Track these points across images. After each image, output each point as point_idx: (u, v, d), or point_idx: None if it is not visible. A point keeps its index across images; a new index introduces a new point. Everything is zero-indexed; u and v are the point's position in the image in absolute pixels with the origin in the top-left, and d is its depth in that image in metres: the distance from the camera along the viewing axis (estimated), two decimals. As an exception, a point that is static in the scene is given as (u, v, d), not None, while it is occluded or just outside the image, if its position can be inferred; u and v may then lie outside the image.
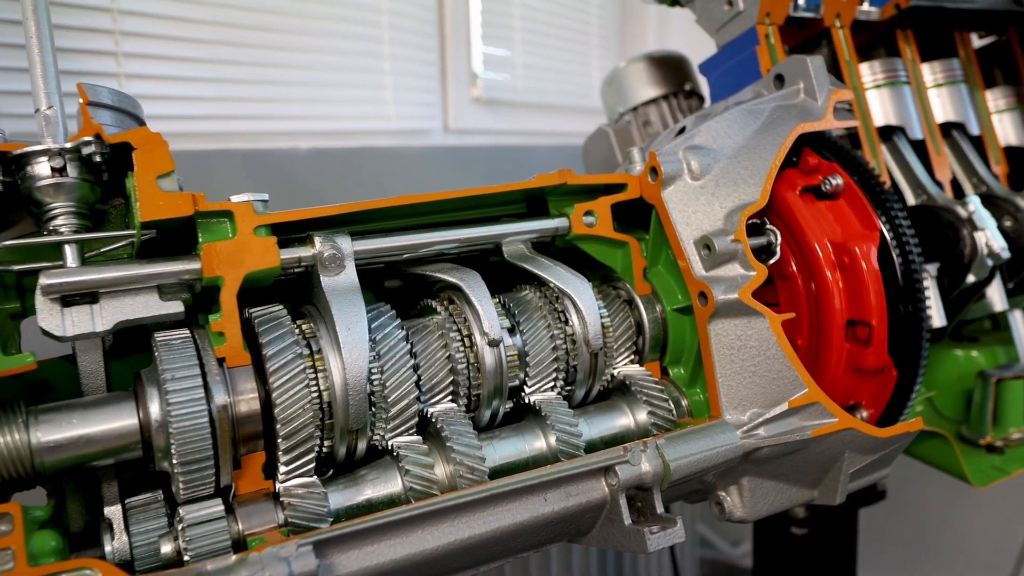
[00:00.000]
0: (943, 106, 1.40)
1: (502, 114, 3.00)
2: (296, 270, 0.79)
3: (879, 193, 0.98)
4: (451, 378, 0.85)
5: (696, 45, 1.85)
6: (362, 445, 0.80)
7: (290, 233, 0.80)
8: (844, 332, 0.95)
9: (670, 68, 1.67)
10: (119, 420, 0.68)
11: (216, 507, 0.69)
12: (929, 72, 1.41)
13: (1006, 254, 1.19)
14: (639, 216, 0.98)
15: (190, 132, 2.00)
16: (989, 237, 1.19)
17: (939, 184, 1.32)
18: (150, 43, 1.92)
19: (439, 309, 0.89)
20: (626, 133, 1.64)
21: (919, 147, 1.36)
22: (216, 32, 2.06)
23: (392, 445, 0.80)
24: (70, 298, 0.70)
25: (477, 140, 2.89)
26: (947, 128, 1.41)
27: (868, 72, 1.35)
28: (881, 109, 1.33)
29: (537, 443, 0.87)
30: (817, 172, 0.98)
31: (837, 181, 0.96)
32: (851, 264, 0.94)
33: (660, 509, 0.81)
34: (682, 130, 1.07)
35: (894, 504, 1.83)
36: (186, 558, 0.67)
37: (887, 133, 1.34)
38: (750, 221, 0.92)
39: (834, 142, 1.02)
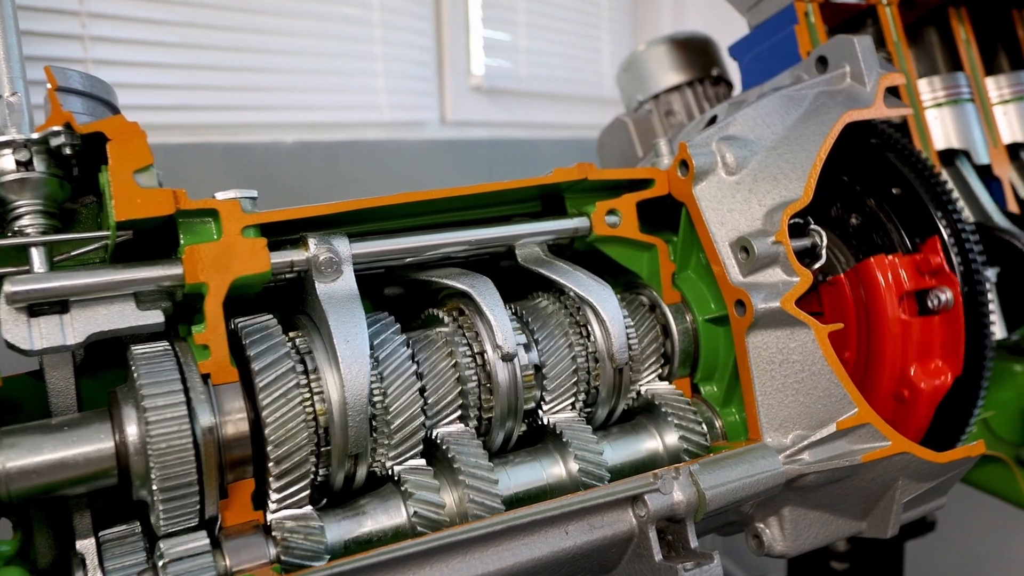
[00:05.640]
0: (1010, 125, 1.38)
1: (504, 104, 2.99)
2: (288, 276, 0.78)
3: (984, 334, 0.97)
4: (460, 397, 0.84)
5: (717, 26, 1.85)
6: (362, 471, 0.79)
7: (281, 234, 0.79)
8: None
9: (695, 51, 1.66)
10: (93, 443, 0.67)
11: (201, 541, 0.69)
12: (995, 87, 1.40)
13: None
14: (667, 215, 0.97)
15: (164, 124, 2.00)
16: None
17: (998, 181, 1.31)
18: (120, 25, 1.91)
19: (446, 319, 0.88)
20: (647, 124, 1.63)
21: (984, 172, 1.35)
22: (192, 14, 2.05)
23: (395, 471, 0.79)
24: (38, 307, 0.69)
25: (477, 133, 2.89)
26: (1015, 150, 1.40)
27: (928, 89, 1.33)
28: (942, 131, 1.32)
29: (556, 469, 0.86)
30: (933, 275, 0.96)
31: (946, 297, 0.95)
32: (909, 399, 0.96)
33: (694, 543, 0.81)
34: (713, 119, 1.06)
35: (943, 536, 1.82)
36: (167, 598, 0.66)
37: (949, 157, 1.33)
38: (793, 221, 0.91)
39: (962, 228, 0.99)
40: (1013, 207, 1.32)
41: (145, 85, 1.99)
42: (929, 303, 0.96)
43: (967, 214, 1.29)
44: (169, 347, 0.72)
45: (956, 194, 0.98)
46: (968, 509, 2.31)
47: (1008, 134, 1.38)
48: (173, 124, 2.03)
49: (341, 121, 2.43)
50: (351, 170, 2.33)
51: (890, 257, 0.97)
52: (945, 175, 1.31)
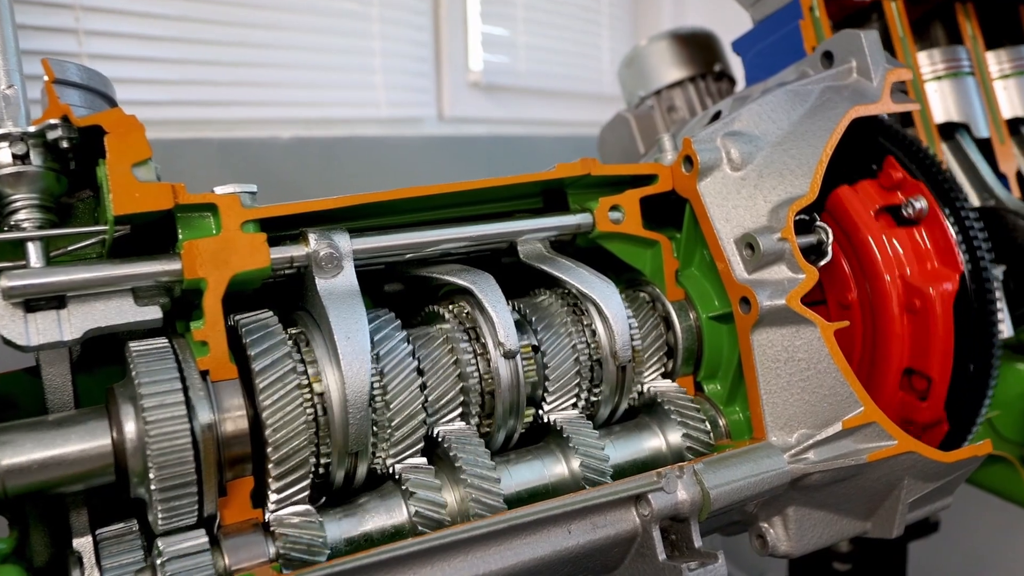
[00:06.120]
0: (1011, 100, 1.39)
1: (502, 101, 2.99)
2: (287, 271, 0.78)
3: (968, 226, 0.97)
4: (461, 394, 0.84)
5: (717, 21, 1.85)
6: (362, 469, 0.79)
7: (280, 229, 0.79)
8: (899, 380, 0.95)
9: (697, 46, 1.66)
10: (90, 441, 0.67)
11: (199, 539, 0.68)
12: (995, 61, 1.40)
13: None
14: (671, 212, 0.97)
15: (159, 119, 1.99)
16: None
17: (1004, 177, 1.31)
18: (114, 19, 1.91)
19: (447, 316, 0.88)
20: (648, 120, 1.63)
21: (984, 146, 1.35)
22: (187, 8, 2.05)
23: (396, 469, 0.79)
24: (34, 302, 0.68)
25: (475, 129, 2.89)
26: (1015, 125, 1.40)
27: (927, 62, 1.33)
28: (942, 104, 1.32)
29: (558, 468, 0.86)
30: (899, 189, 0.97)
31: (920, 205, 0.94)
32: (922, 309, 0.94)
33: (698, 543, 0.80)
34: (717, 115, 1.06)
35: (947, 536, 1.82)
36: (165, 597, 0.66)
37: (949, 131, 1.33)
38: (798, 217, 0.91)
39: (919, 152, 1.00)
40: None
41: (140, 80, 1.98)
42: (904, 213, 0.95)
43: (973, 199, 1.29)
44: (167, 343, 0.72)
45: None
46: (972, 509, 2.31)
47: (1008, 109, 1.39)
48: (168, 119, 2.02)
49: (338, 117, 2.43)
50: (348, 167, 2.33)
51: (852, 185, 0.98)
52: (945, 148, 1.32)
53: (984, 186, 1.28)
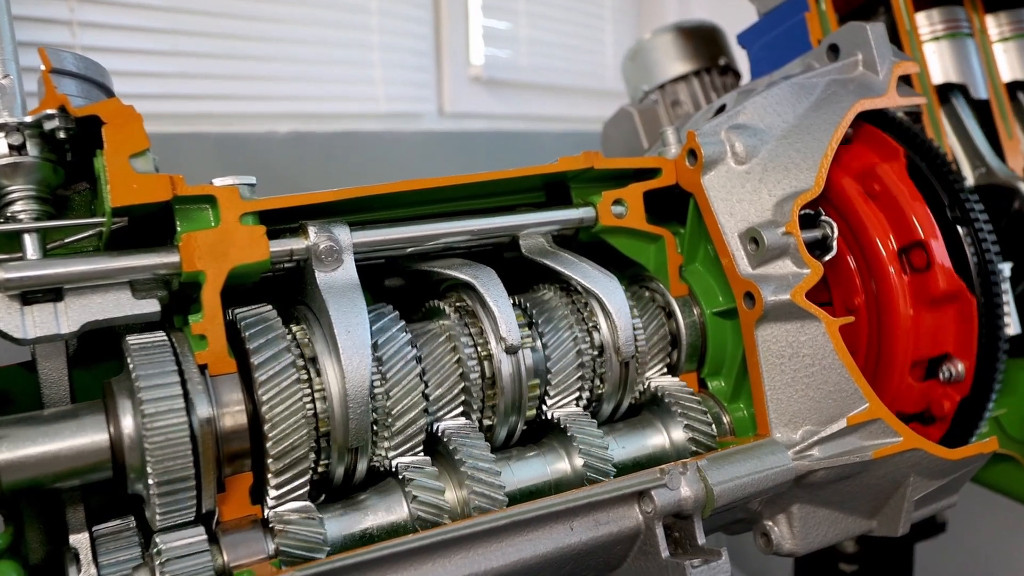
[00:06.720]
0: (1010, 63, 1.39)
1: (504, 96, 2.99)
2: (287, 264, 0.78)
3: (895, 122, 1.00)
4: (463, 390, 0.84)
5: (723, 15, 1.85)
6: (362, 465, 0.79)
7: (280, 222, 0.79)
8: (899, 263, 0.95)
9: (702, 40, 1.66)
10: (87, 436, 0.67)
11: (198, 536, 0.68)
12: (994, 24, 1.40)
13: None
14: (675, 206, 0.97)
15: (155, 113, 1.99)
16: None
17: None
18: (110, 11, 1.91)
19: (448, 311, 0.88)
20: (652, 114, 1.63)
21: (983, 108, 1.35)
22: (184, -1, 2.05)
23: (396, 466, 0.79)
24: (31, 295, 0.68)
25: (476, 125, 2.88)
26: (1014, 88, 1.40)
27: (926, 23, 1.33)
28: (940, 65, 1.32)
29: (560, 464, 0.86)
30: None
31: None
32: (882, 189, 0.95)
33: (701, 540, 0.81)
34: (722, 108, 1.06)
35: (953, 536, 1.82)
36: (163, 594, 0.66)
37: (945, 93, 1.33)
38: (803, 211, 0.91)
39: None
40: None
41: (136, 73, 1.98)
42: None
43: (965, 168, 1.29)
44: (165, 337, 0.72)
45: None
46: (979, 509, 2.31)
47: (1008, 72, 1.39)
48: (164, 113, 2.02)
49: (337, 112, 2.43)
50: (346, 162, 2.33)
51: None
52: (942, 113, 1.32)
53: (977, 153, 1.28)
